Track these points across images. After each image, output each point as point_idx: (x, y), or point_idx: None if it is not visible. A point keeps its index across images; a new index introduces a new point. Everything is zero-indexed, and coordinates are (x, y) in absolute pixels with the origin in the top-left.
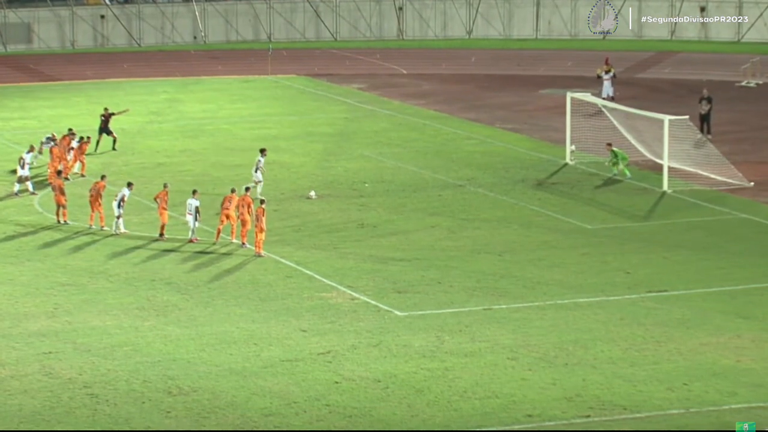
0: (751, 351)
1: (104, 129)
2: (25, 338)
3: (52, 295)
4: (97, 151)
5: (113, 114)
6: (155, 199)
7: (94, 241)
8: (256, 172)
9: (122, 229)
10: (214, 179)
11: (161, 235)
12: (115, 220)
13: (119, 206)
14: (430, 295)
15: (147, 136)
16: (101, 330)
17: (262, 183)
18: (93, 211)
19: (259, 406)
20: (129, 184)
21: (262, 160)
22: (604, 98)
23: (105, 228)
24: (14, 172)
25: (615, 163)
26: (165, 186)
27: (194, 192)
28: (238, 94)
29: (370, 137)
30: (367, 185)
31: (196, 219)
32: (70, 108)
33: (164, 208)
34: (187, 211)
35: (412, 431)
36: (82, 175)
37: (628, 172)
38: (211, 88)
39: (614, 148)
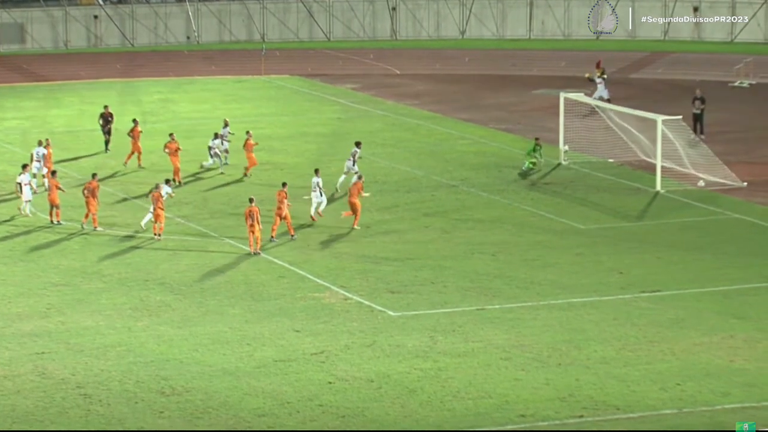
0: (744, 351)
1: (106, 130)
2: (18, 338)
3: (45, 296)
4: (108, 151)
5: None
6: (150, 199)
7: (87, 242)
8: (353, 164)
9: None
10: (208, 180)
11: (157, 234)
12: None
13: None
14: (423, 296)
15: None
16: (94, 330)
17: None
18: (88, 211)
19: (252, 406)
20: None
21: (359, 150)
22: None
23: (98, 228)
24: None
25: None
26: (157, 186)
27: (317, 171)
28: (231, 95)
29: (364, 137)
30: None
31: (321, 194)
32: (64, 108)
33: (161, 208)
34: (312, 189)
35: (405, 431)
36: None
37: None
38: (205, 89)
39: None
